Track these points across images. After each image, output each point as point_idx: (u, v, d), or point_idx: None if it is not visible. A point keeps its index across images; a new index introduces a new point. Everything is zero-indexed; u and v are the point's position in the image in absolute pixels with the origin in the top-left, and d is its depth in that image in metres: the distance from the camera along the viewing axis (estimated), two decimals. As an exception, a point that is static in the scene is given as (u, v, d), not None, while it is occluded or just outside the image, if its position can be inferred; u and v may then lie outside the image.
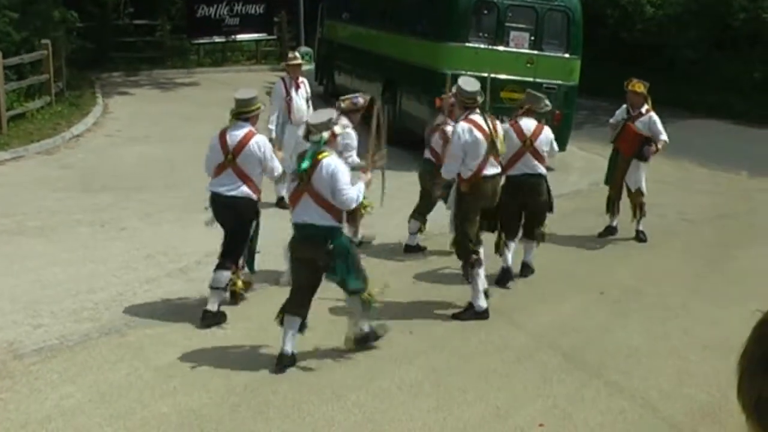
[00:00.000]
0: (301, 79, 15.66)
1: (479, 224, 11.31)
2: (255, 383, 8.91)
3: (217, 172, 10.60)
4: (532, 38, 19.48)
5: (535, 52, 19.46)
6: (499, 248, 12.47)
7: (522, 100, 13.11)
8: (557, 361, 9.77)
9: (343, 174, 9.25)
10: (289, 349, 9.35)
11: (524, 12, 19.46)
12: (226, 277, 10.66)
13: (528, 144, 12.33)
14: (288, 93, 15.34)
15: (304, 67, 17.80)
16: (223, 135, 10.65)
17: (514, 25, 19.41)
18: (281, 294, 11.24)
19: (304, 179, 9.23)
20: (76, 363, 9.23)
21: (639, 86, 14.30)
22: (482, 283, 11.04)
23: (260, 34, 36.15)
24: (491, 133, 10.93)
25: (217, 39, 35.44)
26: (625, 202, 14.61)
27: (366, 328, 9.86)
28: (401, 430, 8.11)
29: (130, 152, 19.91)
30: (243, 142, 10.50)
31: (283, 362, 9.31)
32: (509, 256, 12.43)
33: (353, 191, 9.29)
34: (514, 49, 19.38)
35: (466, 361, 9.68)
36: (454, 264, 11.88)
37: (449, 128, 12.08)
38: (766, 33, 28.27)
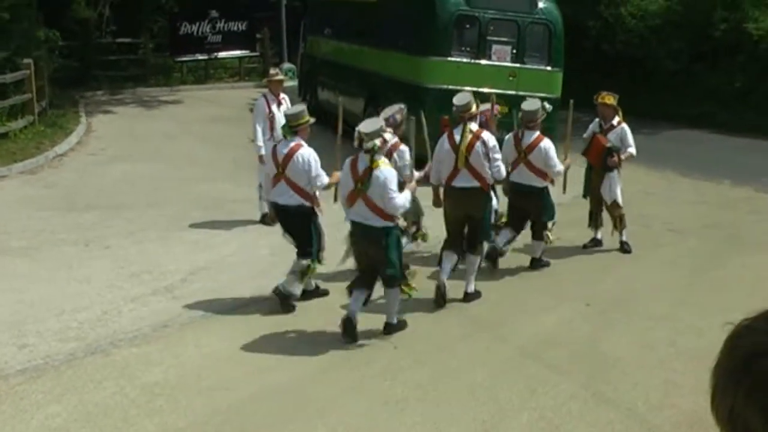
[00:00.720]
0: (282, 95, 15.63)
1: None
2: (240, 402, 8.88)
3: (273, 183, 11.59)
4: (514, 51, 19.54)
5: (517, 65, 19.53)
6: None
7: (520, 116, 13.57)
8: (543, 373, 9.76)
9: (393, 182, 10.27)
10: (354, 317, 10.50)
11: (506, 25, 19.53)
12: (302, 265, 11.56)
13: (522, 156, 13.04)
14: (270, 110, 15.31)
15: (288, 84, 17.83)
16: (274, 149, 11.72)
17: (495, 38, 19.46)
18: (265, 312, 11.31)
19: (358, 186, 10.24)
20: (61, 383, 9.20)
21: (609, 98, 14.40)
22: (447, 265, 11.94)
23: (243, 51, 36.12)
24: (460, 146, 11.73)
25: (199, 56, 35.40)
26: (607, 214, 14.64)
27: (394, 320, 10.86)
28: (388, 446, 8.11)
29: (114, 171, 19.88)
30: (289, 155, 11.37)
31: (346, 328, 10.47)
32: (498, 239, 13.29)
33: (401, 198, 10.36)
34: (496, 63, 19.44)
35: (451, 375, 9.67)
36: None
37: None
38: (747, 43, 28.36)
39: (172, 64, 35.70)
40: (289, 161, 11.33)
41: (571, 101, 13.86)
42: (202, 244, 14.30)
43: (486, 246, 12.59)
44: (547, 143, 13.01)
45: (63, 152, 21.72)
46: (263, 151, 15.03)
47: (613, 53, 31.15)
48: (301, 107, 12.14)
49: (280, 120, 15.04)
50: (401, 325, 10.93)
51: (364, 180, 10.19)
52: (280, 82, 15.77)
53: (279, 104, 15.36)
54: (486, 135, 11.91)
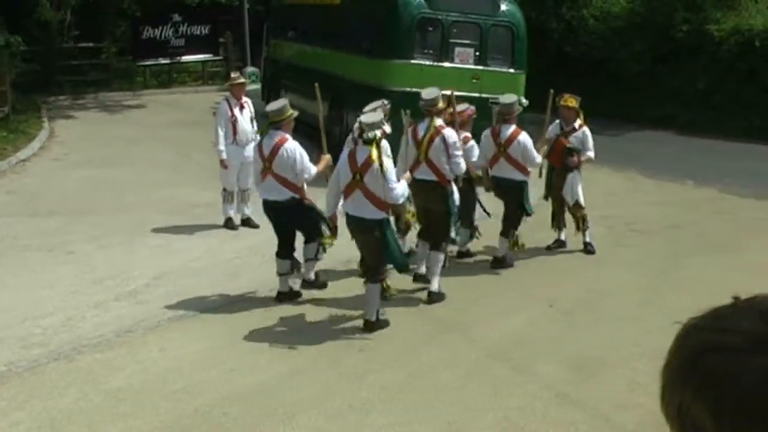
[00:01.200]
0: (245, 98, 15.61)
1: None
2: (206, 406, 8.86)
3: (261, 179, 11.77)
4: (477, 54, 19.57)
5: (480, 67, 19.56)
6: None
7: (497, 109, 13.92)
8: (508, 374, 9.79)
9: (393, 173, 10.56)
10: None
11: (468, 28, 19.56)
12: (287, 265, 11.89)
13: (501, 150, 13.32)
14: (232, 113, 15.28)
15: (251, 87, 17.79)
16: (259, 145, 11.93)
17: (458, 41, 19.49)
18: (230, 316, 11.30)
19: (357, 177, 10.48)
20: (25, 389, 9.14)
21: (571, 101, 14.44)
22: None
23: (206, 55, 36.02)
24: (422, 141, 12.01)
25: (162, 60, 35.27)
26: (569, 215, 14.70)
27: (374, 317, 10.96)
28: (354, 448, 8.10)
29: (77, 176, 19.78)
30: (275, 149, 11.55)
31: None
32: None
33: (400, 188, 10.64)
34: (459, 65, 19.47)
35: (417, 377, 9.68)
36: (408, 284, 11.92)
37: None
38: (709, 45, 28.51)
39: (135, 68, 35.58)
40: (276, 155, 11.48)
41: (551, 90, 13.93)
42: (165, 248, 14.26)
43: (451, 243, 12.85)
44: (524, 137, 13.24)
45: (26, 158, 21.61)
46: (225, 156, 15.04)
47: (576, 55, 31.27)
48: (284, 102, 12.31)
49: (243, 124, 15.07)
50: (383, 323, 11.05)
51: (363, 171, 10.41)
52: (242, 85, 15.75)
53: (242, 108, 15.35)
54: (448, 131, 12.10)
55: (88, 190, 18.32)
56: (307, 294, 12.03)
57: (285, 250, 11.92)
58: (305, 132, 16.67)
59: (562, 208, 14.71)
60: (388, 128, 10.87)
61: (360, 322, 11.03)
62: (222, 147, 15.08)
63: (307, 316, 11.40)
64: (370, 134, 10.45)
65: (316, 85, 12.84)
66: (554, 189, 14.67)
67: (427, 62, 19.30)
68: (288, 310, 11.66)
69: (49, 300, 11.84)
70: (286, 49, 27.09)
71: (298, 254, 12.18)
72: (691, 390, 1.60)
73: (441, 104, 12.22)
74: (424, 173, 12.05)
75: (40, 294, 12.07)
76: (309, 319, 11.32)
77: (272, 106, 12.13)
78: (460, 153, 12.06)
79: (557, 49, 31.55)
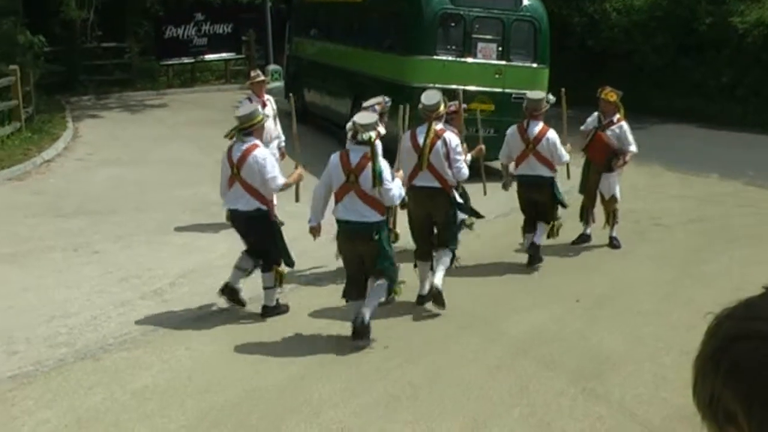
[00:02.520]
0: (266, 96, 15.62)
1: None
2: (232, 403, 8.88)
3: (229, 186, 11.16)
4: (500, 49, 19.53)
5: (503, 62, 19.51)
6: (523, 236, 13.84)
7: (525, 105, 13.49)
8: (533, 369, 9.78)
9: (389, 172, 10.21)
10: (366, 318, 10.39)
11: (491, 23, 19.52)
12: (249, 263, 11.46)
13: (531, 147, 13.09)
14: (254, 112, 15.29)
15: (274, 85, 17.79)
16: (229, 150, 11.22)
17: (481, 36, 19.45)
18: (254, 314, 11.31)
19: (351, 179, 10.11)
20: (51, 388, 9.18)
21: (612, 95, 14.29)
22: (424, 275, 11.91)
23: (229, 54, 36.17)
24: (423, 146, 11.51)
25: (185, 60, 35.44)
26: (599, 210, 14.65)
27: (367, 319, 10.44)
28: (380, 445, 8.11)
29: (102, 176, 19.85)
30: (245, 156, 11.00)
31: (357, 334, 10.39)
32: (527, 242, 13.63)
33: (396, 188, 10.33)
34: (482, 61, 19.43)
35: (443, 373, 9.68)
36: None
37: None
38: (732, 37, 28.37)
39: (158, 67, 35.72)
40: (244, 162, 10.97)
41: (562, 89, 13.81)
42: (190, 247, 14.29)
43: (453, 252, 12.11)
44: (552, 134, 13.12)
45: (50, 158, 21.69)
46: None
47: (598, 49, 31.19)
48: (253, 107, 11.93)
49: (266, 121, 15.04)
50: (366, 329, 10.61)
51: (358, 172, 10.09)
52: (263, 83, 15.74)
53: (263, 106, 15.34)
54: (448, 135, 11.63)
55: (112, 190, 18.38)
56: (332, 289, 11.91)
57: (253, 254, 11.50)
58: (329, 130, 16.69)
59: (593, 203, 14.64)
60: (382, 129, 10.51)
61: (386, 319, 11.00)
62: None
63: (331, 312, 11.40)
64: (365, 135, 10.08)
65: (291, 96, 12.78)
66: (589, 183, 14.61)
67: (450, 58, 19.27)
68: (312, 306, 11.66)
69: (74, 299, 11.89)
70: (308, 47, 27.11)
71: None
72: (722, 378, 1.59)
73: (442, 109, 11.73)
74: (426, 180, 11.61)
75: (66, 293, 12.13)
76: (333, 316, 11.32)
77: (242, 111, 11.61)
78: (462, 158, 11.66)
79: (580, 44, 31.48)
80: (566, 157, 13.38)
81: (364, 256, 10.38)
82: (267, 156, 11.10)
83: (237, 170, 10.99)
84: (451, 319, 11.31)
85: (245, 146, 11.04)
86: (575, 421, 8.57)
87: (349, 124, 10.52)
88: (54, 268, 13.21)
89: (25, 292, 12.16)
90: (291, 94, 12.95)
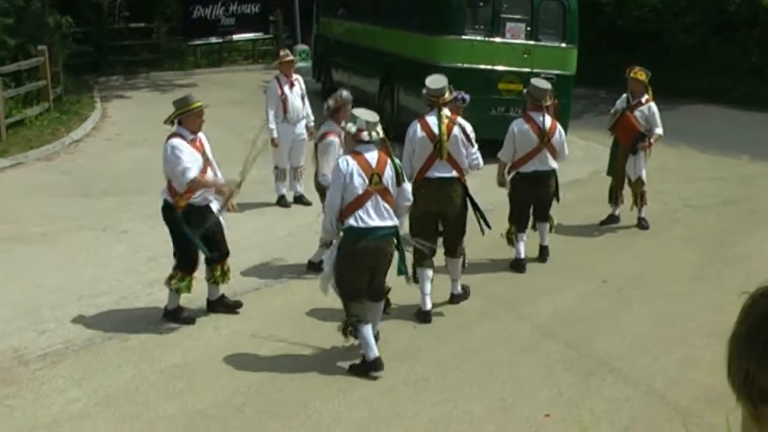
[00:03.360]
0: (295, 76, 15.59)
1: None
2: (260, 382, 8.92)
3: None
4: (528, 29, 19.40)
5: (532, 42, 19.39)
6: (511, 240, 12.67)
7: (528, 93, 12.68)
8: (562, 350, 9.77)
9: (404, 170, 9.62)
10: (377, 352, 9.27)
11: (519, 2, 19.38)
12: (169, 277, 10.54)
13: (546, 141, 12.35)
14: (282, 91, 15.29)
15: (301, 65, 17.78)
16: None
17: (509, 16, 19.32)
18: (283, 293, 11.32)
19: (375, 180, 9.15)
20: (81, 367, 9.24)
21: (641, 74, 14.19)
22: (426, 284, 10.84)
23: (256, 34, 36.08)
24: (439, 135, 10.73)
25: (213, 39, 35.36)
26: (628, 191, 14.58)
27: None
28: (408, 426, 8.12)
29: (130, 156, 19.90)
30: (165, 141, 10.39)
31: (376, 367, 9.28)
32: (521, 247, 12.58)
33: (409, 185, 9.69)
34: (511, 40, 19.31)
35: (471, 354, 9.68)
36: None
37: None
38: (763, 17, 28.15)
39: (186, 47, 35.70)
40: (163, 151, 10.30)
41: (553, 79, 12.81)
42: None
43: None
44: (560, 127, 12.69)
45: (79, 138, 21.78)
46: (275, 134, 15.03)
47: (627, 28, 30.98)
48: (187, 93, 11.08)
49: (293, 102, 15.03)
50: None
51: (381, 172, 9.20)
52: (291, 63, 15.70)
53: (291, 86, 15.34)
54: (463, 121, 11.11)
55: (140, 170, 18.39)
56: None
57: (177, 265, 10.57)
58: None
59: (621, 184, 14.54)
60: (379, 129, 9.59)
61: (414, 301, 10.93)
62: (273, 125, 15.09)
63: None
64: (374, 133, 9.23)
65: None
66: (617, 164, 14.51)
67: (479, 38, 19.16)
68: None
69: (103, 279, 11.94)
70: (336, 27, 27.08)
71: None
72: (757, 356, 1.58)
73: (448, 95, 10.98)
74: (444, 170, 10.85)
75: (95, 273, 12.18)
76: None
77: (179, 97, 10.92)
78: (476, 145, 11.11)
79: (608, 23, 31.29)
80: (567, 152, 12.99)
81: (378, 269, 9.45)
82: (175, 148, 10.15)
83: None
84: (479, 301, 11.30)
85: (168, 135, 10.42)
86: (603, 402, 8.57)
87: (350, 123, 9.46)
88: (83, 248, 13.27)
89: (55, 271, 12.22)
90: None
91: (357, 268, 9.23)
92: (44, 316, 10.59)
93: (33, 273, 12.13)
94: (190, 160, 10.07)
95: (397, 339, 10.05)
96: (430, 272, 10.86)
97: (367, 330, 9.27)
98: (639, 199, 14.47)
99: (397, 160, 9.47)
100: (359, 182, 9.09)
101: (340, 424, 8.12)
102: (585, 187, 16.50)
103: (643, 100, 14.24)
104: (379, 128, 9.34)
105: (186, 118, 10.41)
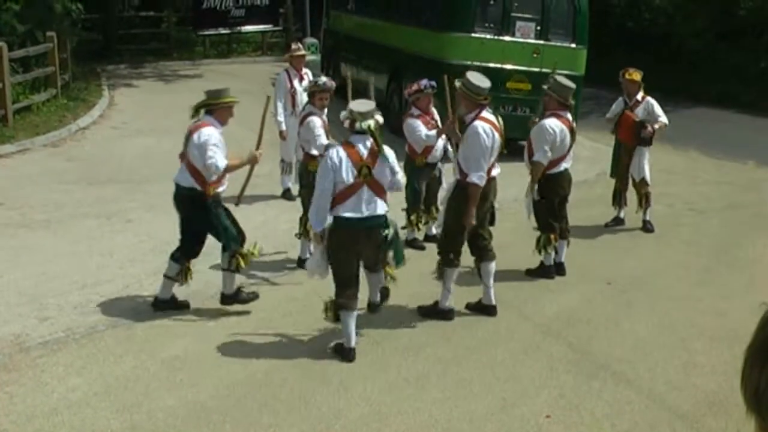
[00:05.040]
0: (305, 70, 15.59)
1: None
2: (261, 375, 8.91)
3: (180, 161, 10.63)
4: (539, 28, 19.40)
5: (542, 42, 19.39)
6: (546, 248, 12.21)
7: (552, 90, 12.00)
8: (564, 351, 9.76)
9: (394, 158, 9.53)
10: (353, 344, 9.47)
11: (530, 1, 19.38)
12: (175, 268, 10.61)
13: (575, 140, 12.15)
14: (292, 85, 15.28)
15: (310, 58, 17.75)
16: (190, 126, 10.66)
17: (520, 14, 19.31)
18: (286, 286, 11.31)
19: (364, 171, 9.27)
20: (82, 356, 9.24)
21: (636, 75, 14.27)
22: (452, 283, 10.65)
23: (266, 26, 36.04)
24: (502, 132, 10.46)
25: (222, 30, 35.35)
26: (632, 193, 14.58)
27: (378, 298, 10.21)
28: (408, 423, 8.10)
29: (136, 144, 19.91)
30: (192, 132, 10.44)
31: (348, 356, 9.44)
32: (560, 253, 12.42)
33: (402, 174, 9.80)
34: (521, 39, 19.31)
35: (472, 352, 9.67)
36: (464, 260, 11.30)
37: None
38: (772, 22, 28.18)
39: (195, 38, 35.71)
40: (189, 139, 10.39)
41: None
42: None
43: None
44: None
45: (85, 125, 21.77)
46: (284, 127, 15.03)
47: (637, 31, 30.99)
48: (224, 87, 11.18)
49: (302, 95, 15.01)
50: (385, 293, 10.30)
51: (371, 164, 9.29)
52: (302, 57, 15.71)
53: (301, 79, 15.32)
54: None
55: (146, 159, 18.41)
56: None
57: (180, 251, 10.64)
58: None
59: (625, 186, 14.54)
60: (380, 118, 9.73)
61: (415, 301, 10.91)
62: (281, 118, 15.08)
63: (362, 289, 11.39)
64: (363, 124, 9.33)
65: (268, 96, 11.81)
66: (620, 166, 14.49)
67: (488, 36, 19.16)
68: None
69: (107, 267, 11.94)
70: (345, 21, 27.06)
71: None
72: None
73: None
74: (497, 168, 10.65)
75: (99, 261, 12.18)
76: (365, 293, 11.32)
77: (213, 88, 11.09)
78: None
79: (618, 25, 31.28)
80: None
81: (365, 255, 9.61)
82: (210, 137, 10.25)
83: (185, 147, 10.47)
84: (482, 299, 11.27)
85: (196, 122, 10.56)
86: (604, 404, 8.55)
87: (344, 113, 9.62)
88: (87, 236, 13.27)
89: (58, 258, 12.22)
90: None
91: (347, 255, 9.48)
92: (46, 303, 10.58)
93: (36, 259, 12.13)
94: (222, 150, 10.25)
95: (399, 336, 10.05)
96: (456, 272, 10.69)
97: (350, 318, 9.45)
98: (644, 200, 14.46)
99: (387, 151, 9.43)
100: (347, 173, 9.23)
101: (340, 420, 8.10)
102: (591, 188, 16.47)
103: (639, 97, 14.32)
104: (376, 118, 9.44)
105: (218, 110, 10.60)
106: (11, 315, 10.20)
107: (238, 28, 35.41)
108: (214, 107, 10.58)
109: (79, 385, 8.58)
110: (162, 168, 17.40)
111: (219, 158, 10.13)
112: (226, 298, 10.61)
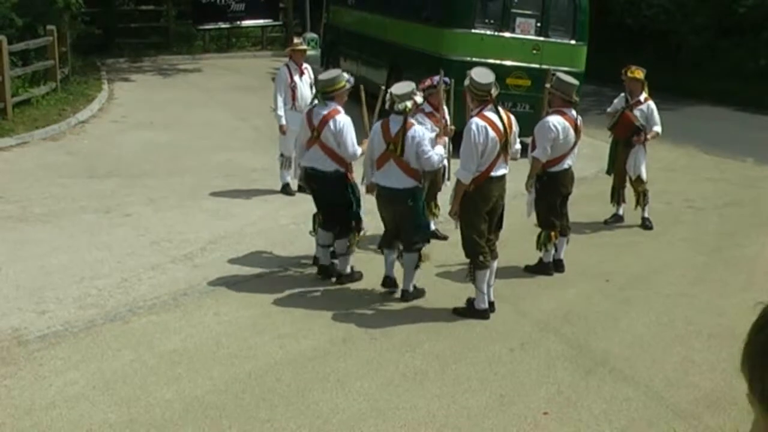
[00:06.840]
0: (305, 65, 15.59)
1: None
2: (259, 370, 8.91)
3: (307, 147, 11.35)
4: (539, 24, 19.38)
5: (541, 38, 19.36)
6: (546, 245, 12.21)
7: (555, 87, 12.00)
8: (562, 348, 9.76)
9: (426, 140, 10.49)
10: (391, 274, 11.21)
11: (530, -2, 19.39)
12: (330, 237, 11.53)
13: (579, 137, 12.07)
14: (292, 79, 15.28)
15: (310, 53, 17.73)
16: (309, 113, 11.45)
17: (520, 11, 19.29)
18: (285, 281, 11.32)
19: (391, 147, 10.46)
20: (80, 349, 9.23)
21: (638, 72, 14.24)
22: (485, 284, 10.59)
23: (266, 20, 35.96)
24: (505, 131, 10.29)
25: (222, 25, 35.28)
26: (630, 190, 14.58)
27: (411, 287, 10.99)
28: (405, 418, 8.10)
29: (135, 138, 19.90)
30: (325, 120, 11.13)
31: (387, 284, 11.22)
32: (560, 248, 12.45)
33: (436, 155, 10.58)
34: (520, 36, 19.29)
35: (470, 348, 9.67)
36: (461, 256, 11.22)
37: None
38: (772, 20, 28.17)
39: (195, 32, 35.63)
40: (325, 126, 11.07)
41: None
42: (222, 212, 14.31)
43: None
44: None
45: (85, 119, 21.76)
46: (284, 121, 15.03)
47: (637, 28, 30.98)
48: (336, 72, 11.72)
49: (302, 90, 15.02)
50: (419, 293, 11.02)
51: (397, 142, 10.37)
52: (303, 51, 15.71)
53: (301, 74, 15.33)
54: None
55: (145, 153, 18.42)
56: (361, 261, 11.93)
57: (330, 223, 11.48)
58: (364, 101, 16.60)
59: (623, 183, 14.55)
60: (419, 98, 10.65)
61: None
62: (281, 112, 15.09)
63: (361, 284, 11.41)
64: (400, 105, 10.36)
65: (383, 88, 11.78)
66: (617, 163, 14.49)
67: (488, 32, 19.14)
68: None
69: (105, 261, 11.93)
70: (345, 16, 27.03)
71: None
72: None
73: (494, 90, 10.40)
74: (503, 167, 10.49)
75: (97, 255, 12.17)
76: (362, 287, 11.34)
77: (324, 75, 11.63)
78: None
79: (618, 22, 31.26)
80: None
81: (400, 218, 10.79)
82: (346, 124, 11.10)
83: (318, 133, 11.15)
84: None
85: (326, 111, 11.17)
86: (602, 401, 8.55)
87: (387, 95, 10.62)
88: (86, 229, 13.26)
89: (57, 252, 12.21)
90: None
91: (382, 213, 11.05)
92: (45, 296, 10.58)
93: (35, 253, 12.12)
94: (353, 136, 11.22)
95: (397, 330, 10.04)
96: (488, 273, 10.62)
97: (387, 254, 11.20)
98: (641, 197, 14.46)
99: (419, 131, 10.54)
100: (379, 145, 10.64)
101: (338, 415, 8.10)
102: (590, 185, 16.45)
103: (642, 98, 14.30)
104: (408, 101, 10.40)
105: (339, 95, 11.31)
106: (9, 308, 10.20)
107: (238, 22, 35.33)
108: (335, 93, 11.26)
109: (77, 378, 8.58)
110: (161, 162, 17.48)
111: (355, 140, 11.18)
112: (344, 278, 11.58)
